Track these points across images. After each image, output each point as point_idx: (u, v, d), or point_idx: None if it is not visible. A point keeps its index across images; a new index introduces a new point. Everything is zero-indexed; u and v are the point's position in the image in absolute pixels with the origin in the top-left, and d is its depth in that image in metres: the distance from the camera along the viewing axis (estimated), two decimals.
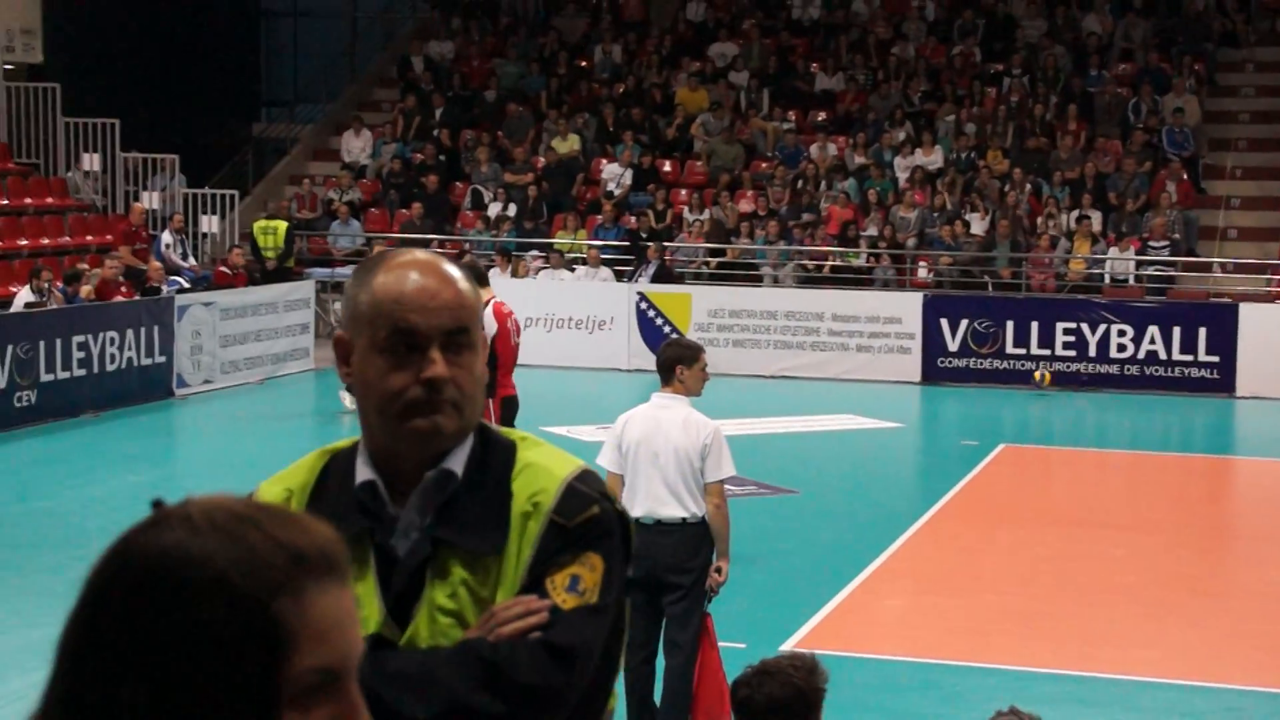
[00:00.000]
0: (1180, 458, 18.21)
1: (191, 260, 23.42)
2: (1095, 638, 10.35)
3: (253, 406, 19.19)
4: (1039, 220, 24.13)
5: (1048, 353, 21.45)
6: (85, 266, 19.83)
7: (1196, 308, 21.77)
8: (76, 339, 17.78)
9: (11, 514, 13.69)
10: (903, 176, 25.65)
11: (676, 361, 7.92)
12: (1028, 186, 24.83)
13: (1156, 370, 21.19)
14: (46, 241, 22.22)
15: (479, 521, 2.46)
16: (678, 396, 7.90)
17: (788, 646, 9.44)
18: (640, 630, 7.69)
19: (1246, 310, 21.29)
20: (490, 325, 10.81)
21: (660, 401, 7.91)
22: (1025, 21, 28.67)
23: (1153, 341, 21.17)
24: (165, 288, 20.63)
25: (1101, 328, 21.34)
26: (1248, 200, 25.48)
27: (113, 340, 18.35)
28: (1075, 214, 24.29)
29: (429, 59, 30.00)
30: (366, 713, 1.44)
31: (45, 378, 17.28)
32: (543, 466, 2.51)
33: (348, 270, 24.56)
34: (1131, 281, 23.43)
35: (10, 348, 16.78)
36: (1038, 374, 21.19)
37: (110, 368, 18.30)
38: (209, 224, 25.42)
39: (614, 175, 26.49)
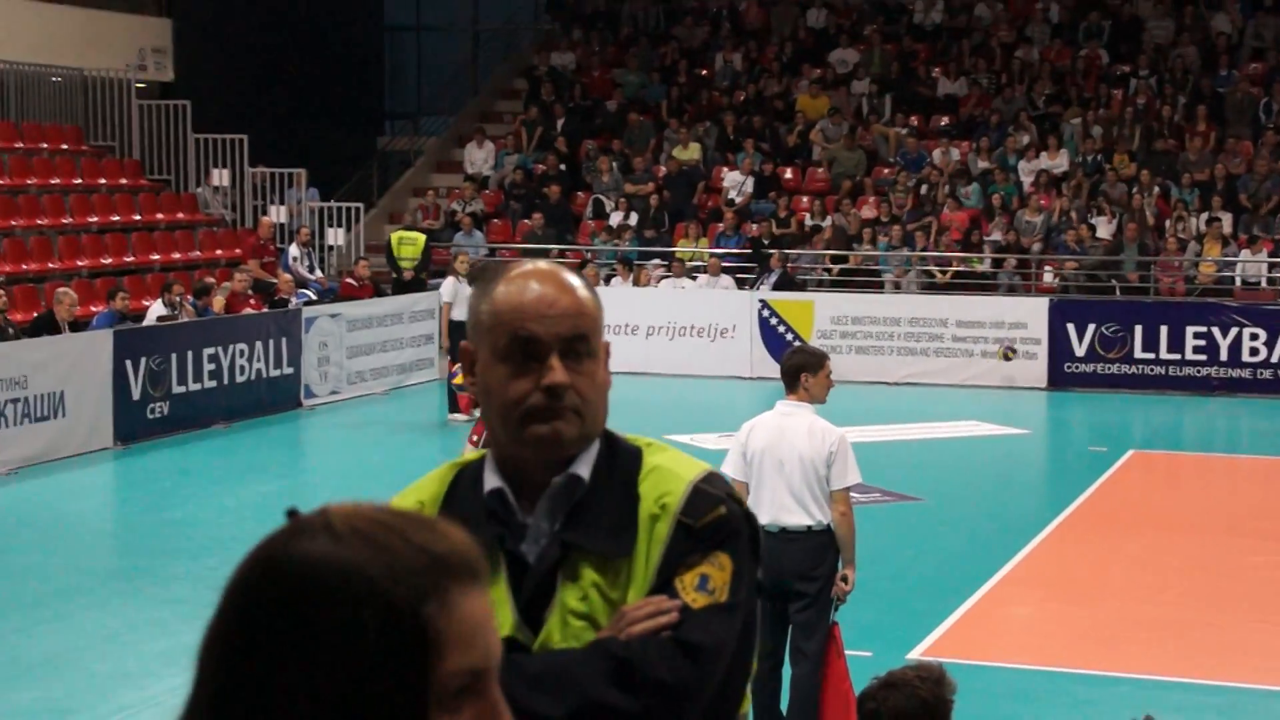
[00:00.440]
0: None
1: (318, 272, 23.73)
2: (1228, 647, 10.17)
3: (378, 417, 19.39)
4: (1167, 223, 23.78)
5: (1177, 357, 21.13)
6: (213, 280, 20.17)
7: None
8: (207, 351, 18.09)
9: (146, 523, 13.95)
10: (1027, 180, 25.39)
11: (802, 369, 7.89)
12: (1155, 189, 24.48)
13: None
14: (178, 256, 22.62)
15: (608, 525, 2.48)
16: (803, 404, 7.86)
17: (914, 655, 9.37)
18: (766, 638, 7.66)
19: None
20: None
21: (785, 409, 7.88)
22: (1152, 22, 28.28)
23: None
24: (293, 300, 20.92)
25: (1233, 331, 20.98)
26: None
27: (242, 352, 18.64)
28: (1205, 216, 23.91)
29: (551, 70, 30.18)
30: (508, 712, 1.47)
31: (177, 389, 17.59)
32: (669, 469, 2.53)
33: None
34: (1264, 285, 23.01)
35: (143, 360, 17.10)
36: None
37: (240, 379, 18.60)
38: (335, 236, 25.74)
39: (735, 183, 26.47)
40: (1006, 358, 21.46)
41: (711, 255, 24.28)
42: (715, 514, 2.48)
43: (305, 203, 25.79)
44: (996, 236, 24.33)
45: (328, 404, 19.89)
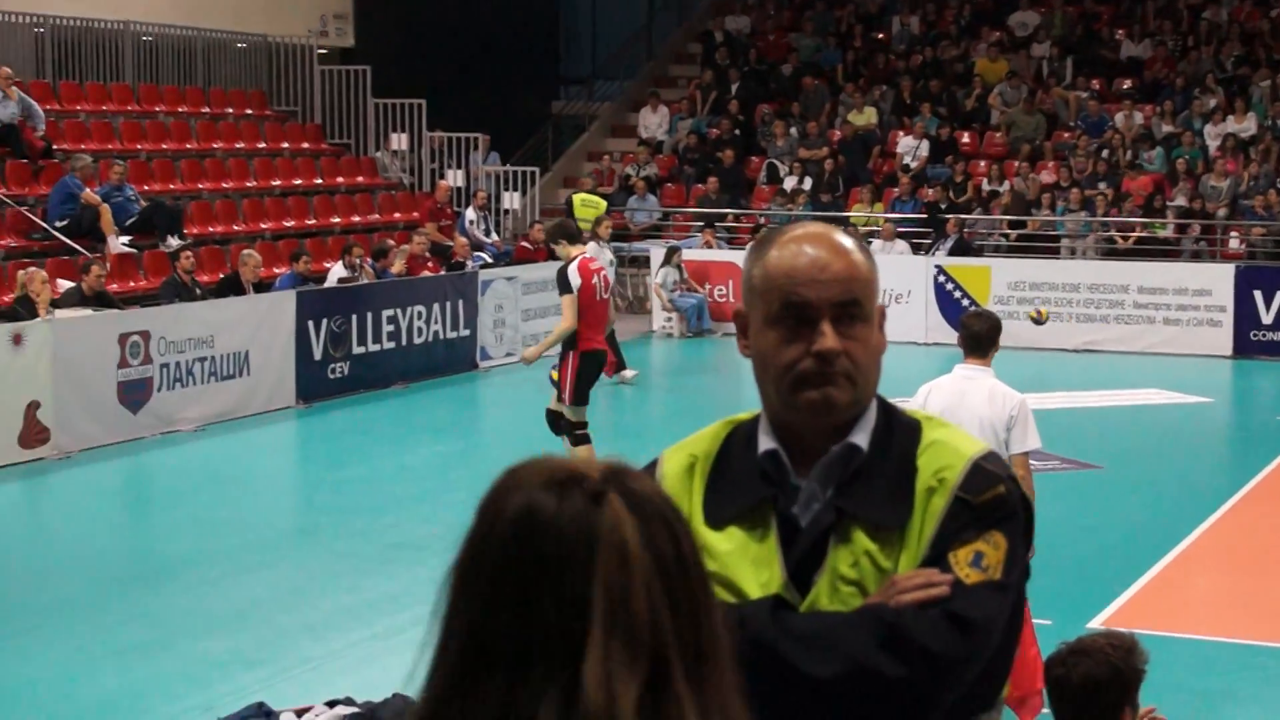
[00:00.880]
0: None
1: (494, 236, 23.94)
2: None
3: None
4: None
5: None
6: (392, 243, 20.44)
7: None
8: (386, 313, 18.36)
9: (327, 481, 14.22)
10: (1213, 145, 24.79)
11: (998, 331, 7.82)
12: None
13: None
14: (357, 219, 22.98)
15: (883, 495, 2.48)
16: (984, 367, 7.77)
17: (1095, 624, 9.22)
18: None
19: None
20: (575, 279, 12.00)
21: (965, 372, 7.79)
22: None
23: None
24: (469, 263, 21.14)
25: None
26: None
27: (420, 314, 18.88)
28: None
29: (726, 34, 30.08)
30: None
31: (357, 350, 17.89)
32: (949, 444, 2.51)
33: (644, 245, 24.83)
34: None
35: (325, 321, 17.41)
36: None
37: (418, 341, 18.85)
38: (510, 200, 25.95)
39: (910, 148, 26.19)
40: (1036, 320, 21.10)
41: (886, 220, 24.07)
42: (994, 492, 2.46)
43: (482, 167, 26.04)
44: (1180, 201, 23.79)
45: (503, 366, 20.07)
